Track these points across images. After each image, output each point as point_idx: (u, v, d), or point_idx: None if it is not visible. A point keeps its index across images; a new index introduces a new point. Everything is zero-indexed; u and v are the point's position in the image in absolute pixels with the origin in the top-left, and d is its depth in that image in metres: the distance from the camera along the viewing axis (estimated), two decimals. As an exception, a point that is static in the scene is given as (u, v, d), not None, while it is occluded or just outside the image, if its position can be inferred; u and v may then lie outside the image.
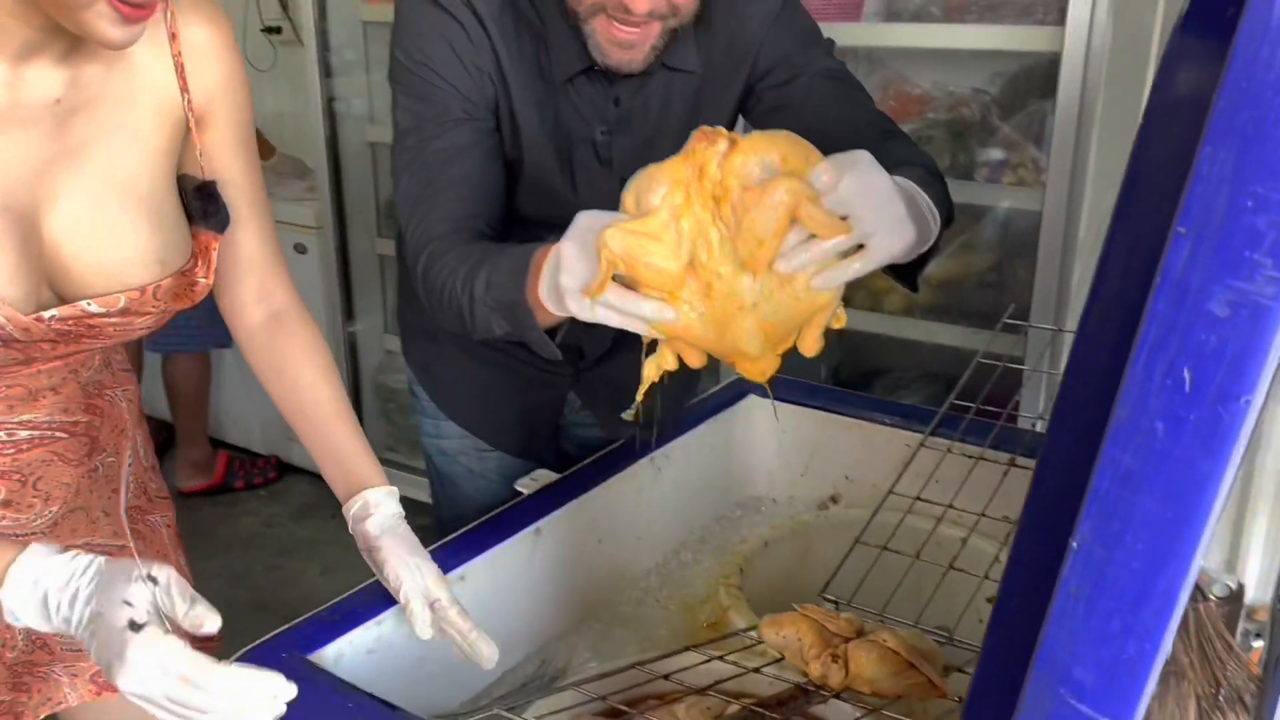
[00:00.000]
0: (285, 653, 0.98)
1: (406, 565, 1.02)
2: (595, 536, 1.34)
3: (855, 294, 2.24)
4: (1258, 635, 1.03)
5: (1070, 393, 0.58)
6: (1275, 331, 0.42)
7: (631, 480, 1.40)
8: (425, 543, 1.10)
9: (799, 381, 1.73)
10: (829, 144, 1.00)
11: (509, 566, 1.21)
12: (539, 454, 1.49)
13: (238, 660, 0.81)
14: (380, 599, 1.08)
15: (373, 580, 1.12)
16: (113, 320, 0.96)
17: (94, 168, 0.93)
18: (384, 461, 3.33)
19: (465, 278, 1.04)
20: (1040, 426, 1.71)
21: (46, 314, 0.91)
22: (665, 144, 1.21)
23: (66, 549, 0.83)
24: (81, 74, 0.92)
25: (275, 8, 3.21)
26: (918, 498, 1.32)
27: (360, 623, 1.05)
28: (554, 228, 0.95)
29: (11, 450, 1.01)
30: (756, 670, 1.05)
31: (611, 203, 0.91)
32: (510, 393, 1.45)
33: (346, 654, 1.03)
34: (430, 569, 1.04)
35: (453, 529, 1.25)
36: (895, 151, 1.05)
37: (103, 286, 0.95)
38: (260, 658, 0.99)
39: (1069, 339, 1.91)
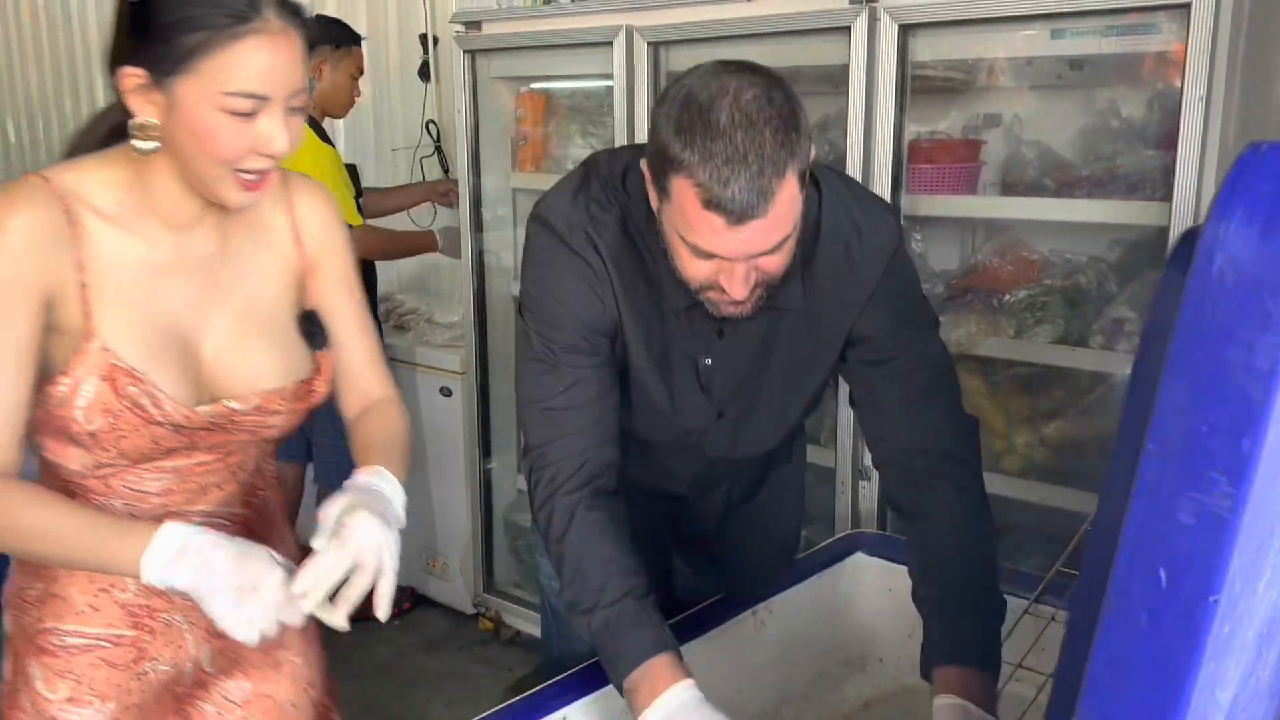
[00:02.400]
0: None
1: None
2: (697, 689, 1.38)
3: (972, 454, 2.25)
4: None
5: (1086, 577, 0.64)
6: (1235, 540, 0.48)
7: (735, 633, 1.43)
8: (531, 682, 1.17)
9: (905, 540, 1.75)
10: (897, 447, 1.29)
11: (610, 713, 1.25)
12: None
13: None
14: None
15: (490, 712, 1.18)
16: (250, 415, 1.21)
17: (236, 303, 1.21)
18: (509, 597, 3.40)
19: (590, 590, 1.19)
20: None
21: (200, 409, 1.17)
22: (765, 376, 1.35)
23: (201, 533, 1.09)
24: (230, 235, 1.21)
25: (438, 170, 3.54)
26: (1020, 665, 1.32)
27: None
28: (659, 445, 1.26)
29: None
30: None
31: (707, 422, 1.07)
32: None
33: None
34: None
35: (561, 669, 1.31)
36: (950, 484, 1.26)
37: (237, 388, 1.21)
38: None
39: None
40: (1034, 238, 2.20)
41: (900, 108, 2.04)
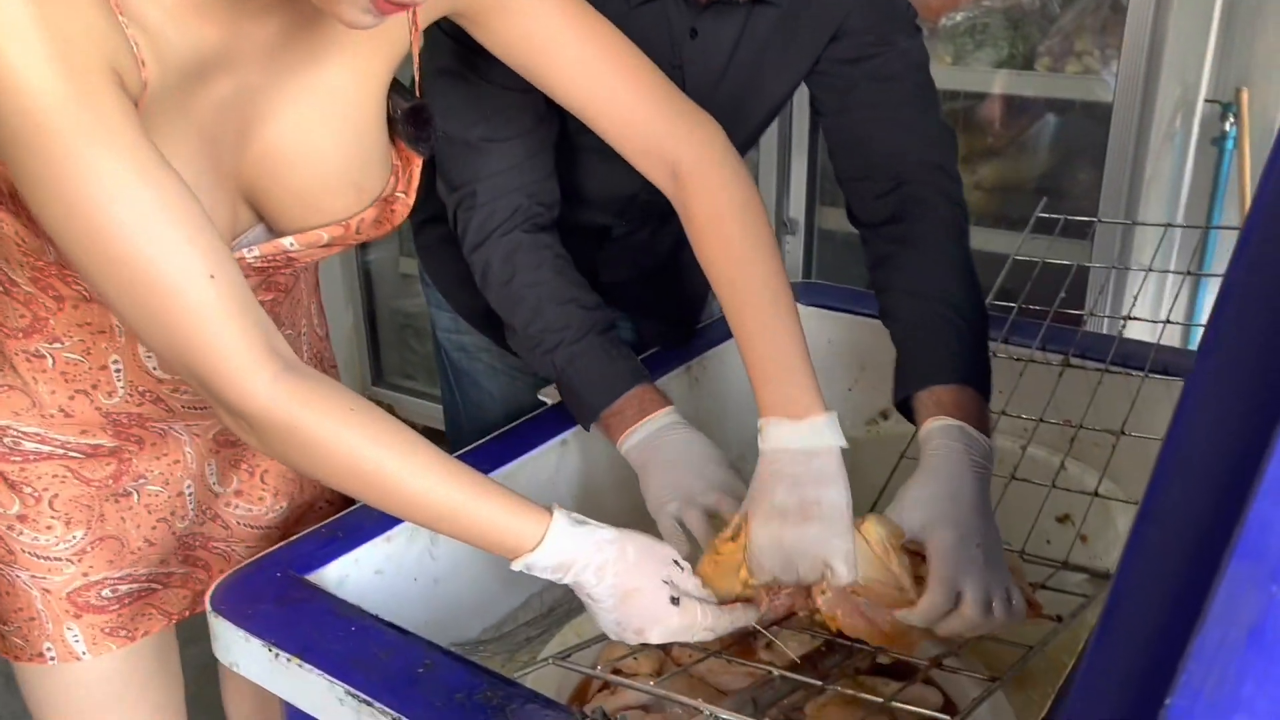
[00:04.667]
0: (279, 572, 0.87)
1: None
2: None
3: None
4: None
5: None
6: None
7: (667, 390, 1.27)
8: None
9: (845, 288, 1.60)
10: (875, 156, 1.12)
11: (533, 481, 1.10)
12: None
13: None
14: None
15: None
16: (310, 252, 0.91)
17: (302, 89, 0.85)
18: (401, 389, 3.23)
19: (553, 330, 1.08)
20: (1108, 326, 1.58)
21: (249, 254, 0.86)
22: (735, 77, 1.13)
23: (583, 523, 0.85)
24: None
25: None
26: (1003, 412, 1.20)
27: (366, 540, 0.94)
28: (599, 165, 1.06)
29: None
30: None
31: None
32: None
33: (351, 575, 0.92)
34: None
35: (471, 439, 1.13)
36: (929, 210, 1.09)
37: (300, 212, 0.88)
38: (252, 580, 0.88)
39: (1138, 235, 1.78)
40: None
41: None
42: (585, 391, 1.09)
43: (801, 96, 1.23)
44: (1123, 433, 1.09)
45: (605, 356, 1.09)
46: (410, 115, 0.90)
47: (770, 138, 2.04)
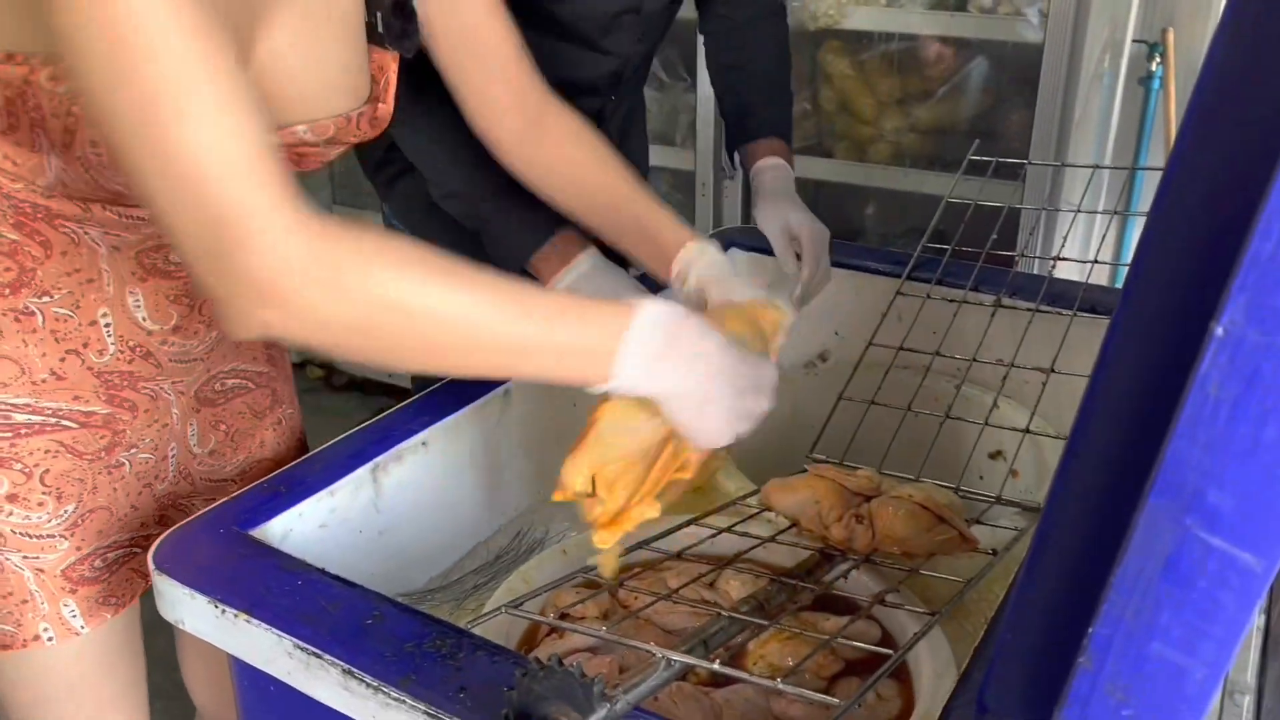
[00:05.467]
0: (223, 528, 0.87)
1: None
2: (570, 399, 1.22)
3: (839, 144, 2.10)
4: None
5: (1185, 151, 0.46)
6: None
7: (607, 338, 1.28)
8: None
9: (783, 233, 1.61)
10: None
11: (476, 431, 1.10)
12: None
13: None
14: (335, 466, 0.97)
15: (323, 446, 1.00)
16: (319, 149, 0.89)
17: None
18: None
19: (477, 183, 1.15)
20: (1039, 267, 1.61)
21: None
22: None
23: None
24: None
25: None
26: (901, 347, 1.24)
27: (310, 494, 0.93)
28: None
29: (185, 274, 0.97)
30: (772, 539, 0.96)
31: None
32: None
33: (295, 529, 0.92)
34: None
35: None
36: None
37: (306, 112, 0.86)
38: (193, 537, 0.87)
39: (1068, 175, 1.81)
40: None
41: None
42: (507, 242, 1.16)
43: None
44: (1052, 370, 1.12)
45: (529, 207, 1.13)
46: (397, 9, 0.90)
47: (706, 83, 2.02)
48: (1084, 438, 0.49)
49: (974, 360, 1.20)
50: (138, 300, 0.91)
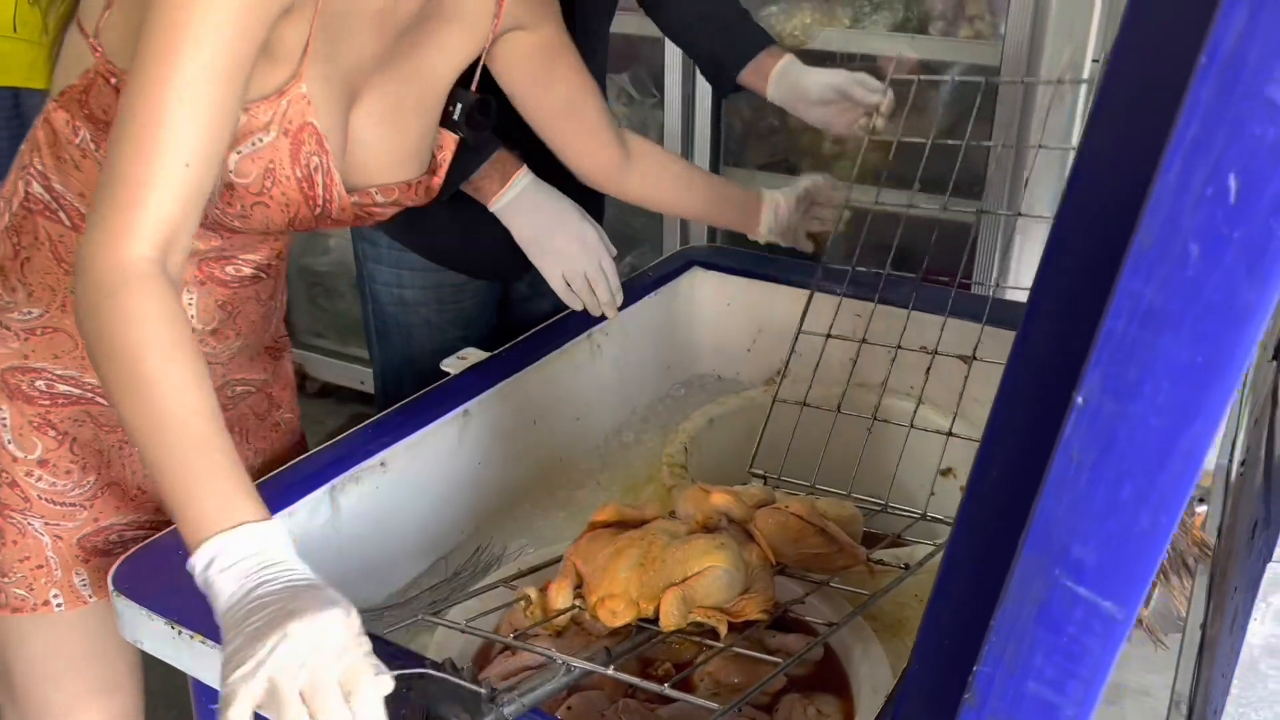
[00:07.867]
0: (180, 550, 0.89)
1: None
2: (530, 418, 1.25)
3: (803, 160, 2.14)
4: (1201, 500, 1.00)
5: (1064, 231, 0.49)
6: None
7: (567, 358, 1.31)
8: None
9: (743, 251, 1.64)
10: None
11: (436, 451, 1.13)
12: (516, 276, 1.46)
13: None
14: (294, 487, 0.99)
15: (282, 469, 1.03)
16: (381, 208, 1.02)
17: (406, 70, 0.99)
18: (311, 347, 3.19)
19: None
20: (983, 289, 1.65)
21: (351, 198, 0.97)
22: None
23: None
24: None
25: None
26: (829, 334, 1.32)
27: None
28: None
29: (235, 285, 1.03)
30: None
31: None
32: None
33: (255, 549, 0.94)
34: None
35: (403, 396, 1.16)
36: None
37: (380, 176, 1.01)
38: (153, 558, 0.90)
39: (1029, 190, 1.84)
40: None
41: None
42: (453, 164, 1.14)
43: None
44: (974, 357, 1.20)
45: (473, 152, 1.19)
46: (480, 105, 1.08)
47: (675, 100, 2.05)
48: (980, 483, 0.52)
49: (898, 347, 1.25)
50: (191, 299, 0.99)
